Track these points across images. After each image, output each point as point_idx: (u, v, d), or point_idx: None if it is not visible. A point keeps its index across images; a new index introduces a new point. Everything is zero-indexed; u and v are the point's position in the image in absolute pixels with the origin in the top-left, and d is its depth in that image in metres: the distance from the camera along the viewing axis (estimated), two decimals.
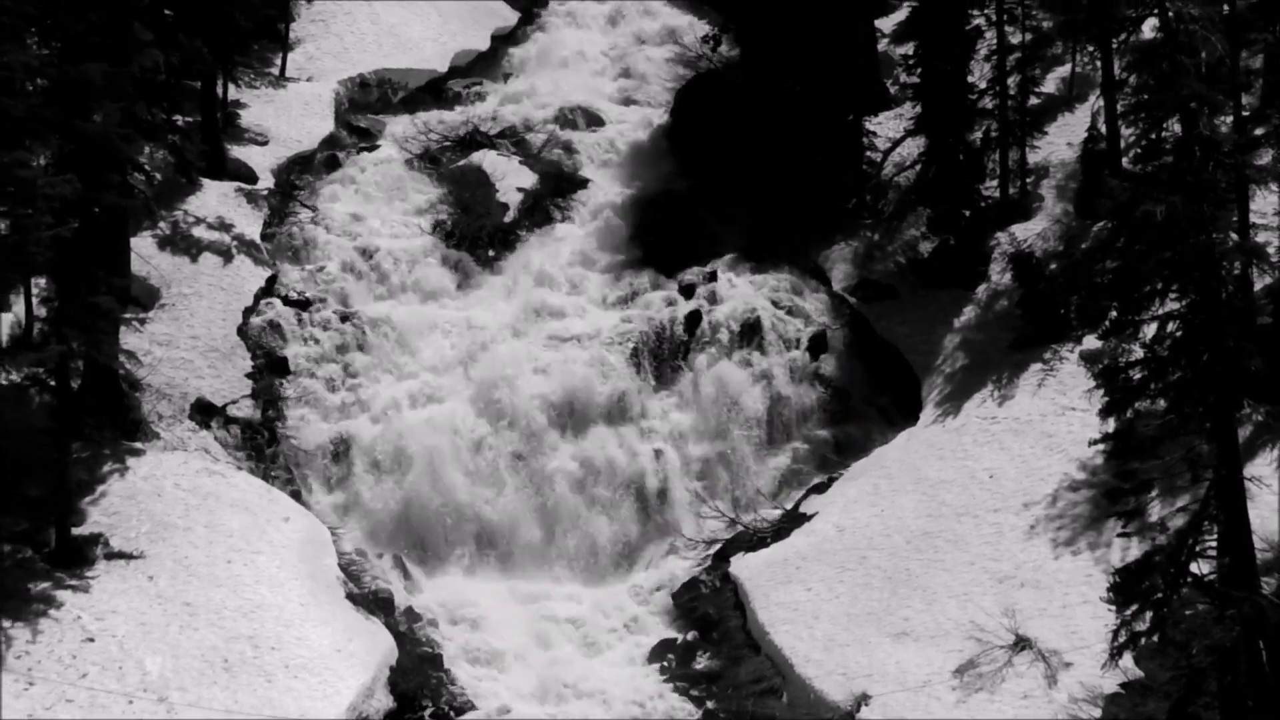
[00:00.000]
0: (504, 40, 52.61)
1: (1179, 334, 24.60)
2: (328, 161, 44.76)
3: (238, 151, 43.24)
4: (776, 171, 42.64)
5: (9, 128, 29.66)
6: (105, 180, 32.66)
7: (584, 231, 43.49)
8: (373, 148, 45.67)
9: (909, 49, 41.31)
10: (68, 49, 32.25)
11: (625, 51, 51.38)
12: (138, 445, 34.58)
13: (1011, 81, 41.00)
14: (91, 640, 29.43)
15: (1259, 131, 31.39)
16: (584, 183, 45.09)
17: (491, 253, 42.90)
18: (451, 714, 31.81)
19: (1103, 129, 39.61)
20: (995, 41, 40.90)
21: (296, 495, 35.97)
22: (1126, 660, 26.89)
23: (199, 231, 40.04)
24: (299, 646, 30.44)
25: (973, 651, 29.70)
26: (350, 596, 32.79)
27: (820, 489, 36.87)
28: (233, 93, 44.66)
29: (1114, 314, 27.86)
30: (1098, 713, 27.99)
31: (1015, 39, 41.26)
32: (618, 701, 32.69)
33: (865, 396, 39.40)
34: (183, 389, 36.52)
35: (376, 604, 33.34)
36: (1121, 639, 25.32)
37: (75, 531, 31.57)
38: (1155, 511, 30.73)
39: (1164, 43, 25.37)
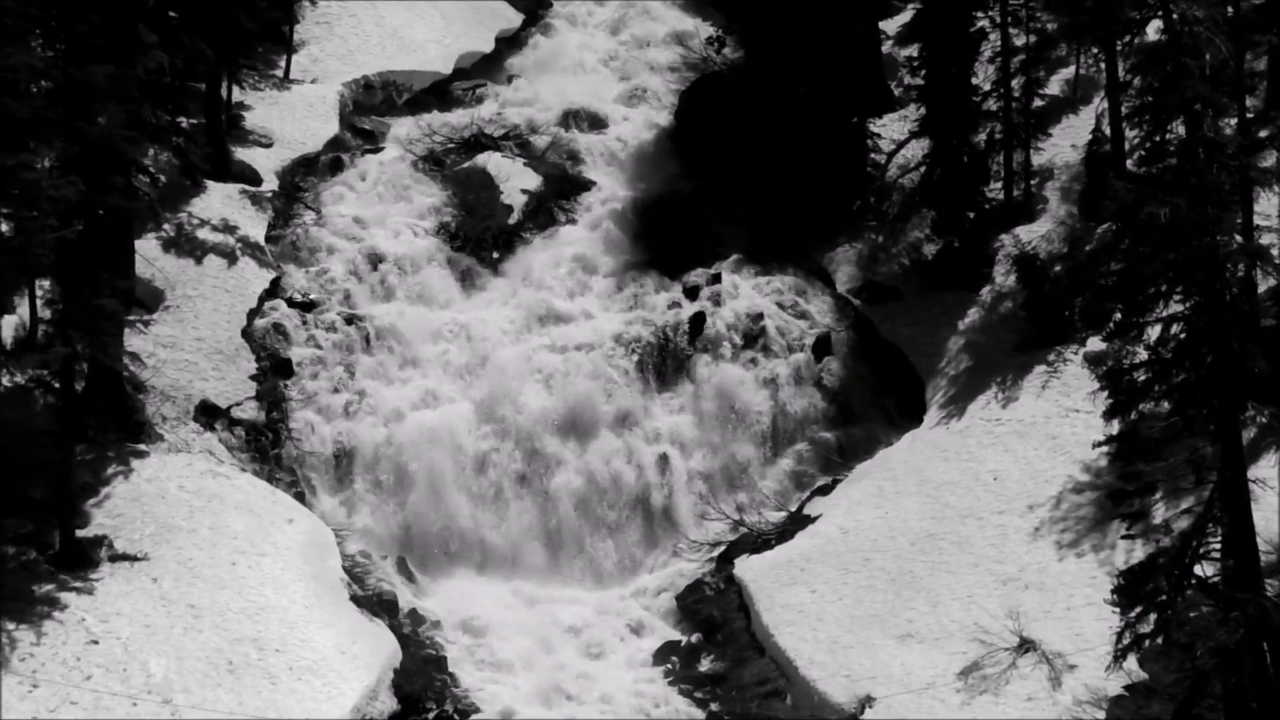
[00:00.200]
0: (508, 42, 52.49)
1: (1183, 336, 24.58)
2: (332, 163, 44.68)
3: (242, 154, 43.18)
4: (781, 173, 42.61)
5: (13, 130, 29.55)
6: (109, 182, 32.61)
7: (588, 234, 43.41)
8: (377, 150, 45.61)
9: (913, 51, 41.38)
10: (72, 51, 32.23)
11: (629, 54, 51.33)
12: (142, 447, 34.57)
13: (1016, 83, 40.94)
14: (96, 642, 29.44)
15: (1263, 133, 31.34)
16: (588, 185, 45.05)
17: (496, 255, 42.83)
18: (456, 717, 31.77)
19: (1107, 131, 39.56)
20: (999, 43, 40.85)
21: (300, 497, 35.93)
22: (1131, 662, 26.86)
23: (203, 234, 39.97)
24: (303, 648, 30.44)
25: (977, 653, 29.70)
26: (354, 599, 32.78)
27: (824, 491, 36.87)
28: (237, 95, 44.61)
29: (1118, 316, 27.76)
30: (1102, 715, 27.99)
31: (1019, 41, 41.20)
32: (622, 705, 32.67)
33: (869, 398, 39.36)
34: (187, 391, 36.49)
35: (380, 606, 33.33)
36: (1126, 641, 25.30)
37: (79, 533, 31.57)
38: (1159, 513, 30.74)
39: (1168, 45, 25.34)
